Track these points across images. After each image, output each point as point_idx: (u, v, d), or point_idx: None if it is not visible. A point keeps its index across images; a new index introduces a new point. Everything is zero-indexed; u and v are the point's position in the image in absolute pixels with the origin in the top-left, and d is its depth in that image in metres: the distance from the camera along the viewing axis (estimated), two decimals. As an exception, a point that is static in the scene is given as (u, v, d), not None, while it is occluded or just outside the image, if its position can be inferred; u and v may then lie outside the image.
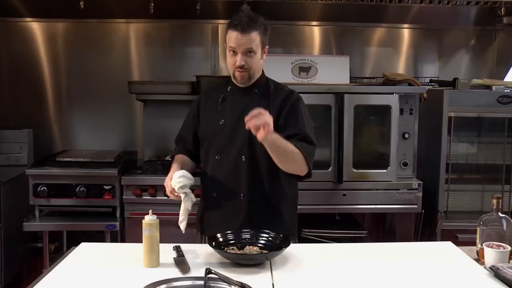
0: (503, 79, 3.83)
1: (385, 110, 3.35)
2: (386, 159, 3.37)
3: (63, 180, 3.34)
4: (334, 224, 3.41)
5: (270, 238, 1.99)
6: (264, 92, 2.24)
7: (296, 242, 2.25)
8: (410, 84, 3.45)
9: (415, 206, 3.36)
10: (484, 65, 4.24)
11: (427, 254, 2.01)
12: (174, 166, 2.18)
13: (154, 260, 1.84)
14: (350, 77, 3.76)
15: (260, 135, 1.90)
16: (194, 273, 1.76)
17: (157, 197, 3.30)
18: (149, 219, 1.85)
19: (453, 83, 3.59)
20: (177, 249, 1.96)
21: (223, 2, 3.73)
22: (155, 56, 4.15)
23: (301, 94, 2.29)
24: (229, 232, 2.03)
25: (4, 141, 3.80)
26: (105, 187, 3.35)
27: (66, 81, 4.14)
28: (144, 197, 3.34)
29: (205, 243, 2.19)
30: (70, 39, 4.10)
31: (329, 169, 3.34)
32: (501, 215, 1.91)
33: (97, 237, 3.29)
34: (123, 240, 3.37)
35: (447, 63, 4.24)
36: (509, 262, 1.80)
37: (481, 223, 1.92)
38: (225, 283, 1.61)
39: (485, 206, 3.47)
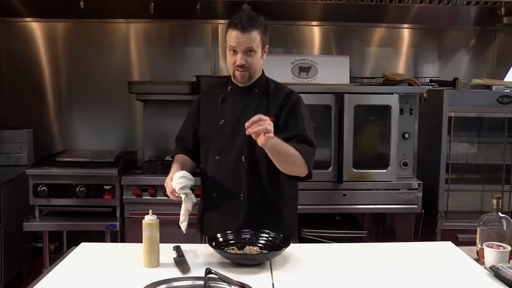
0: (503, 79, 3.83)
1: (385, 110, 3.35)
2: (386, 159, 3.37)
3: (63, 180, 3.34)
4: (334, 224, 3.41)
5: (270, 238, 1.99)
6: (264, 92, 2.24)
7: (296, 242, 2.25)
8: (410, 84, 3.45)
9: (415, 206, 3.36)
10: (484, 65, 4.24)
11: (427, 254, 2.01)
12: (174, 166, 2.18)
13: (154, 260, 1.84)
14: (350, 77, 3.76)
15: (260, 141, 1.90)
16: (194, 273, 1.76)
17: (157, 197, 3.30)
18: (149, 219, 1.85)
19: (453, 83, 3.59)
20: (177, 249, 1.96)
21: (223, 2, 3.73)
22: (155, 56, 4.15)
23: (301, 94, 2.28)
24: (229, 232, 2.03)
25: (4, 141, 3.80)
26: (105, 187, 3.35)
27: (66, 81, 4.14)
28: (144, 197, 3.34)
29: (205, 243, 2.19)
30: (70, 39, 4.10)
31: (329, 169, 3.34)
32: (501, 215, 1.91)
33: (97, 237, 3.29)
34: (123, 240, 3.37)
35: (447, 63, 4.24)
36: (509, 262, 1.80)
37: (481, 223, 1.92)
38: (225, 283, 1.61)
39: (485, 206, 3.47)
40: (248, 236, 2.01)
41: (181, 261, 1.85)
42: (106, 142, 4.10)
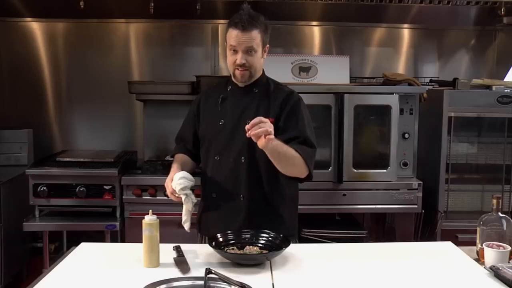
0: (503, 79, 3.83)
1: (385, 110, 3.35)
2: (386, 159, 3.37)
3: (63, 180, 3.34)
4: (334, 224, 3.41)
5: (270, 238, 1.99)
6: (264, 92, 2.23)
7: (296, 242, 2.25)
8: (410, 84, 3.45)
9: (415, 206, 3.36)
10: (484, 65, 4.24)
11: (427, 254, 2.01)
12: (174, 166, 2.18)
13: (154, 260, 1.84)
14: (350, 77, 3.76)
15: (261, 143, 1.90)
16: (194, 273, 1.76)
17: (157, 197, 3.30)
18: (149, 219, 1.85)
19: (453, 83, 3.59)
20: (177, 249, 1.96)
21: (223, 2, 3.73)
22: (155, 56, 4.15)
23: (301, 94, 2.28)
24: (229, 232, 2.03)
25: (4, 141, 3.80)
26: (105, 187, 3.35)
27: (66, 81, 4.14)
28: (144, 197, 3.34)
29: (205, 243, 2.18)
30: (70, 39, 4.10)
31: (329, 169, 3.34)
32: (501, 215, 1.91)
33: (97, 237, 3.29)
34: (123, 240, 3.37)
35: (447, 63, 4.24)
36: (509, 262, 1.80)
37: (481, 223, 1.92)
38: (225, 283, 1.61)
39: (485, 206, 3.48)
40: (248, 236, 2.01)
41: (181, 261, 1.85)
42: (106, 142, 4.10)
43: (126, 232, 3.35)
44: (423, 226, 3.40)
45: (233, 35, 2.11)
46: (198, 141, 2.32)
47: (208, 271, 1.60)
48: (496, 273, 1.73)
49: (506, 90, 3.45)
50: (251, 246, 1.95)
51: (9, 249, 3.43)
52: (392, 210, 3.42)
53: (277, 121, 2.14)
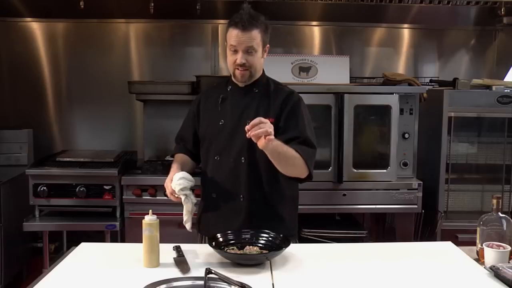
0: (503, 79, 3.83)
1: (385, 110, 3.35)
2: (386, 159, 3.37)
3: (63, 180, 3.34)
4: (334, 224, 3.41)
5: (270, 238, 1.99)
6: (264, 92, 2.23)
7: (296, 242, 2.24)
8: (410, 84, 3.45)
9: (415, 206, 3.36)
10: (484, 65, 4.25)
11: (427, 254, 2.01)
12: (174, 166, 2.18)
13: (154, 260, 1.84)
14: (350, 77, 3.76)
15: (261, 144, 1.90)
16: (194, 273, 1.76)
17: (157, 197, 3.30)
18: (149, 219, 1.85)
19: (453, 83, 3.59)
20: (177, 249, 1.96)
21: (223, 2, 3.73)
22: (155, 56, 4.15)
23: (301, 94, 2.28)
24: (229, 232, 2.03)
25: (4, 141, 3.80)
26: (105, 187, 3.35)
27: (66, 81, 4.14)
28: (144, 197, 3.34)
29: (205, 243, 2.18)
30: (70, 39, 4.10)
31: (329, 169, 3.34)
32: (501, 215, 1.91)
33: (97, 237, 3.29)
34: (123, 240, 3.37)
35: (447, 63, 4.24)
36: (509, 262, 1.80)
37: (481, 223, 1.92)
38: (225, 283, 1.61)
39: (485, 206, 3.48)
40: (248, 236, 2.01)
41: (181, 261, 1.85)
42: (106, 142, 4.10)
43: (126, 232, 3.35)
44: (423, 226, 3.40)
45: (233, 34, 2.10)
46: (198, 141, 2.32)
47: (208, 271, 1.60)
48: (496, 273, 1.73)
49: (506, 90, 3.45)
50: (251, 246, 1.95)
51: (9, 249, 3.43)
52: (392, 210, 3.43)
53: (277, 121, 2.14)
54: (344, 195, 3.34)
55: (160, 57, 4.14)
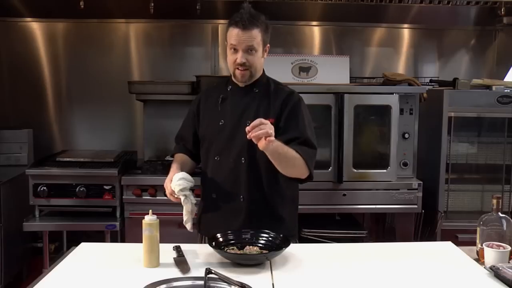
0: (503, 79, 3.83)
1: (385, 110, 3.35)
2: (386, 159, 3.37)
3: (63, 180, 3.34)
4: (334, 224, 3.41)
5: (270, 238, 1.99)
6: (265, 92, 2.23)
7: (296, 243, 2.24)
8: (410, 84, 3.45)
9: (415, 206, 3.36)
10: (484, 65, 4.25)
11: (427, 254, 2.01)
12: (174, 166, 2.18)
13: (154, 260, 1.84)
14: (350, 77, 3.76)
15: (261, 145, 1.90)
16: (194, 273, 1.76)
17: (157, 197, 3.30)
18: (149, 219, 1.85)
19: (453, 83, 3.59)
20: (177, 249, 1.96)
21: (223, 2, 3.73)
22: (155, 56, 4.15)
23: (301, 94, 2.27)
24: (229, 232, 2.03)
25: (4, 141, 3.80)
26: (105, 187, 3.35)
27: (66, 81, 4.14)
28: (144, 197, 3.34)
29: (205, 243, 2.18)
30: (70, 39, 4.10)
31: (329, 169, 3.34)
32: (501, 215, 1.91)
33: (97, 237, 3.29)
34: (123, 240, 3.37)
35: (447, 63, 4.24)
36: (509, 262, 1.80)
37: (481, 223, 1.92)
38: (225, 283, 1.61)
39: (485, 206, 3.48)
40: (248, 236, 2.01)
41: (181, 261, 1.85)
42: (106, 142, 4.10)
43: (126, 232, 3.35)
44: (423, 226, 3.40)
45: (234, 34, 2.10)
46: (198, 141, 2.32)
47: (208, 271, 1.60)
48: (496, 273, 1.73)
49: (506, 90, 3.45)
50: (251, 246, 1.95)
51: (9, 249, 3.43)
52: (392, 210, 3.43)
53: (277, 121, 2.14)
54: (344, 195, 3.34)
55: (160, 57, 4.14)
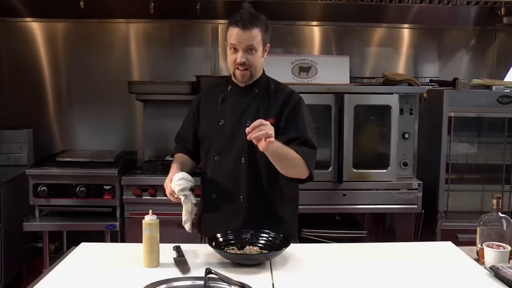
0: (503, 79, 3.83)
1: (385, 110, 3.35)
2: (386, 159, 3.37)
3: (63, 180, 3.34)
4: (334, 224, 3.42)
5: (270, 238, 1.99)
6: (265, 92, 2.22)
7: (296, 243, 2.24)
8: (410, 84, 3.45)
9: (415, 206, 3.36)
10: (484, 65, 4.25)
11: (427, 254, 2.01)
12: (174, 166, 2.18)
13: (154, 260, 1.84)
14: (350, 77, 3.76)
15: (261, 146, 1.89)
16: (194, 273, 1.76)
17: (157, 197, 3.30)
18: (149, 219, 1.85)
19: (453, 83, 3.59)
20: (177, 249, 1.96)
21: (223, 2, 3.73)
22: (155, 56, 4.15)
23: (301, 94, 2.27)
24: (229, 232, 2.03)
25: (4, 141, 3.80)
26: (105, 187, 3.35)
27: (66, 81, 4.14)
28: (144, 197, 3.34)
29: (205, 243, 2.18)
30: (70, 39, 4.10)
31: (329, 169, 3.34)
32: (501, 215, 1.91)
33: (97, 237, 3.29)
34: (123, 240, 3.37)
35: (447, 63, 4.24)
36: (509, 262, 1.80)
37: (481, 223, 1.92)
38: (225, 283, 1.61)
39: (485, 206, 3.48)
40: (248, 236, 2.01)
41: (181, 261, 1.85)
42: (106, 142, 4.10)
43: (126, 232, 3.35)
44: (423, 226, 3.40)
45: (234, 33, 2.09)
46: (198, 141, 2.31)
47: (208, 271, 1.60)
48: (496, 273, 1.73)
49: (506, 90, 3.45)
50: (251, 246, 1.95)
51: (9, 249, 3.43)
52: (392, 210, 3.43)
53: (277, 121, 2.14)
54: (344, 195, 3.34)
55: (160, 57, 4.14)
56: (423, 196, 3.36)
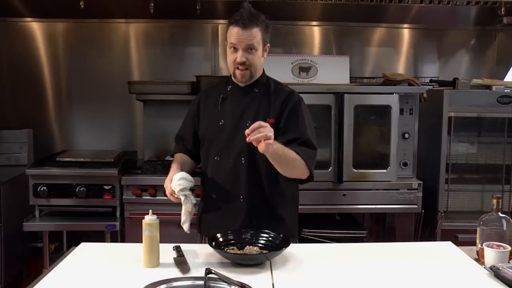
0: (503, 79, 3.83)
1: (385, 110, 3.35)
2: (386, 159, 3.37)
3: (63, 180, 3.34)
4: (334, 224, 3.42)
5: (270, 238, 1.99)
6: (265, 92, 2.22)
7: (296, 243, 2.24)
8: (410, 84, 3.45)
9: (415, 206, 3.36)
10: (484, 65, 4.25)
11: (427, 254, 2.01)
12: (174, 166, 2.18)
13: (154, 260, 1.84)
14: (350, 77, 3.76)
15: (261, 147, 1.89)
16: (194, 273, 1.76)
17: (157, 197, 3.30)
18: (149, 219, 1.85)
19: (453, 83, 3.59)
20: (177, 249, 1.96)
21: (223, 2, 3.73)
22: (155, 56, 4.15)
23: (301, 94, 2.27)
24: (229, 232, 2.03)
25: (4, 141, 3.80)
26: (105, 187, 3.35)
27: (66, 81, 4.14)
28: (144, 197, 3.34)
29: (205, 243, 2.18)
30: (70, 39, 4.10)
31: (329, 169, 3.34)
32: (501, 215, 1.91)
33: (97, 237, 3.29)
34: (123, 240, 3.37)
35: (447, 63, 4.24)
36: (509, 262, 1.80)
37: (481, 223, 1.92)
38: (225, 283, 1.61)
39: (485, 206, 3.48)
40: (248, 236, 2.01)
41: (181, 261, 1.85)
42: (106, 142, 4.10)
43: (126, 232, 3.35)
44: (423, 226, 3.40)
45: (234, 32, 2.09)
46: (198, 141, 2.31)
47: (208, 271, 1.60)
48: (496, 273, 1.73)
49: (506, 90, 3.45)
50: (251, 246, 1.95)
51: (9, 249, 3.43)
52: (392, 210, 3.43)
53: (277, 121, 2.14)
54: (344, 195, 3.34)
55: (160, 57, 4.14)
56: (423, 196, 3.36)
